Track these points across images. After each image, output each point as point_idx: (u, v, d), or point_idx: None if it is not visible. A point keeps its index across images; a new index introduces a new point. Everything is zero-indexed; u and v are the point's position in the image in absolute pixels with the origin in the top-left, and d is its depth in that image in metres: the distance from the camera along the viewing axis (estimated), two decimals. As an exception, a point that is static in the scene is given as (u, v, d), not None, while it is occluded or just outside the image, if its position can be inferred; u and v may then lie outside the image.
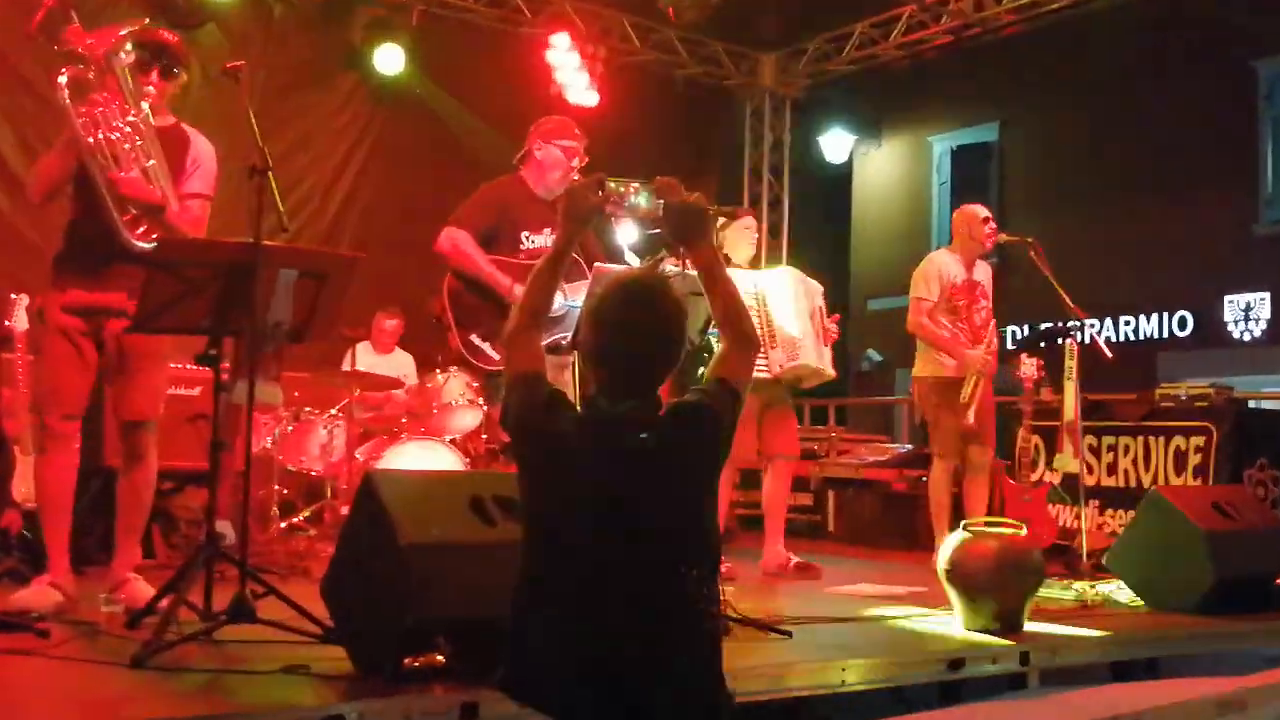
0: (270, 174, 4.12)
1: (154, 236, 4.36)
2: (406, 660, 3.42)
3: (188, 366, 6.20)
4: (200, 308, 4.05)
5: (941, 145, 16.01)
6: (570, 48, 11.14)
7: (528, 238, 5.25)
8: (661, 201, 3.04)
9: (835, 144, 14.84)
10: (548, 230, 5.29)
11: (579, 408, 2.97)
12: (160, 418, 4.68)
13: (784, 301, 6.47)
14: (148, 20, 4.59)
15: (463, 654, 3.44)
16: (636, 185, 3.07)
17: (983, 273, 7.15)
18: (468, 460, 7.60)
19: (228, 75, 4.36)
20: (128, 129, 4.37)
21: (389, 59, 10.44)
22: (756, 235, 6.77)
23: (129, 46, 4.38)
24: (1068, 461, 6.92)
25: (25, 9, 4.58)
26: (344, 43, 10.52)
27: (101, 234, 4.36)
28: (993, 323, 7.05)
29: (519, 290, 5.05)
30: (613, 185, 3.04)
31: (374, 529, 3.56)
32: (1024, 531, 4.99)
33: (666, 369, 2.84)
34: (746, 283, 6.27)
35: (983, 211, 7.16)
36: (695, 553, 2.75)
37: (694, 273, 3.06)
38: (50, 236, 4.78)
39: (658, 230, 3.08)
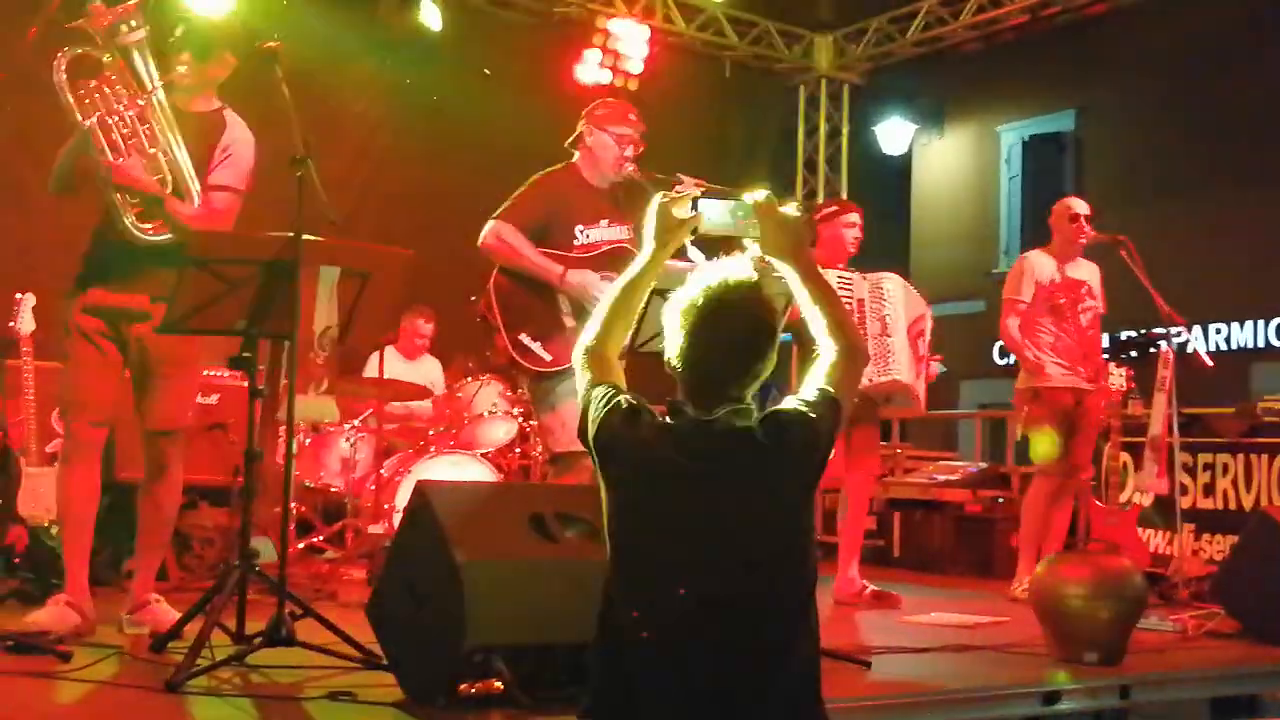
0: (311, 163, 4.18)
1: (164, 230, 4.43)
2: (462, 687, 3.47)
3: (207, 372, 6.25)
4: (236, 308, 4.12)
5: (1011, 135, 15.96)
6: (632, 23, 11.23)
7: (582, 231, 5.29)
8: (756, 220, 3.08)
9: (894, 133, 14.84)
10: (604, 222, 5.33)
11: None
12: (189, 427, 4.75)
13: (885, 310, 6.48)
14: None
15: (523, 680, 3.50)
16: (730, 204, 3.11)
17: (1087, 271, 7.18)
18: (501, 476, 7.68)
19: (262, 56, 4.41)
20: (130, 113, 4.43)
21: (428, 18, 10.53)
22: (859, 235, 6.76)
23: (132, 22, 4.44)
24: (1150, 481, 6.92)
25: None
26: (364, 23, 10.62)
27: (121, 232, 4.44)
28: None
29: (573, 277, 5.15)
30: (705, 204, 3.09)
31: (426, 546, 3.63)
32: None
33: (759, 374, 2.89)
34: (846, 286, 6.33)
35: (1075, 206, 7.17)
36: (793, 571, 2.80)
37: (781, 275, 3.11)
38: (53, 235, 4.84)
39: (752, 246, 3.11)
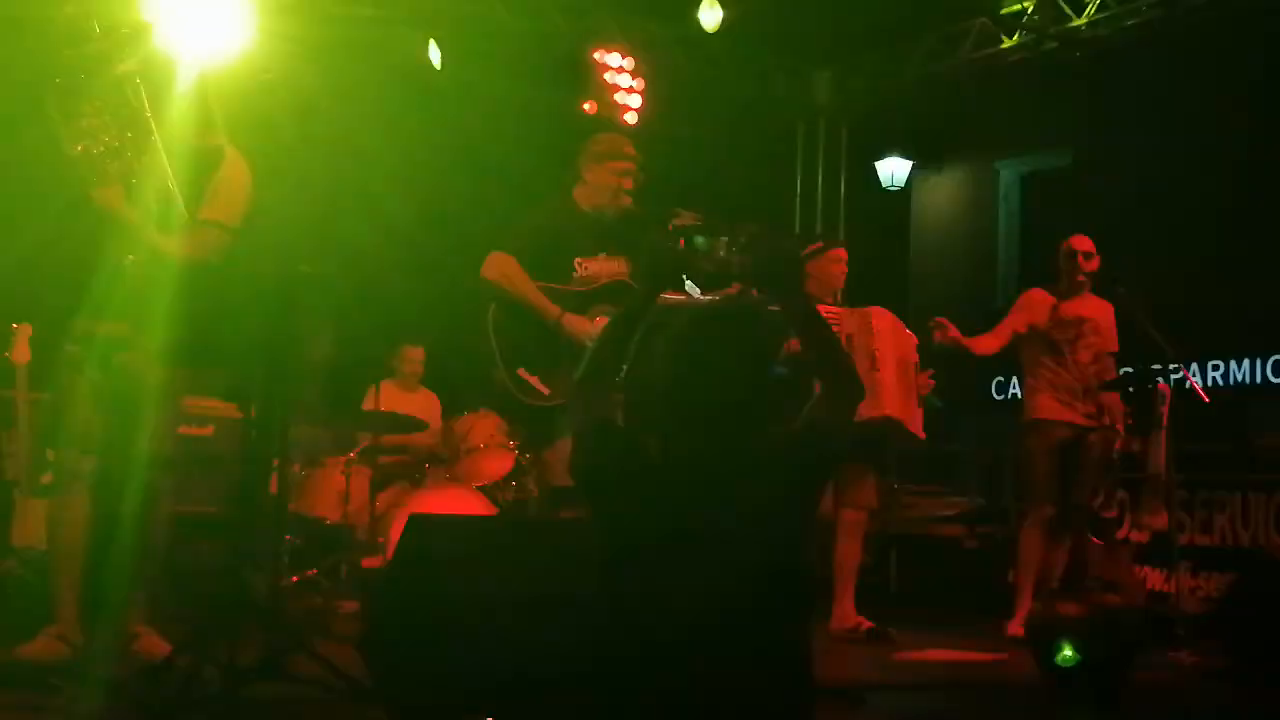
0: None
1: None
2: (455, 724, 3.46)
3: (201, 404, 6.24)
4: (232, 338, 4.11)
5: (1010, 172, 16.00)
6: (611, 62, 11.27)
7: (581, 264, 5.31)
8: (752, 256, 3.08)
9: (892, 169, 14.89)
10: (602, 255, 5.35)
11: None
12: (181, 458, 4.73)
13: (874, 344, 6.48)
14: (150, 23, 4.61)
15: (517, 716, 3.47)
16: (725, 241, 3.11)
17: (1094, 308, 7.19)
18: (497, 509, 7.65)
19: (262, 89, 4.43)
20: (114, 142, 4.43)
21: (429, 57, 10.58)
22: (845, 270, 6.81)
23: (125, 53, 4.44)
24: (1145, 517, 6.90)
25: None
26: (367, 56, 10.64)
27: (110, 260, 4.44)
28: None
29: (569, 323, 5.15)
30: (700, 241, 3.09)
31: (421, 579, 3.61)
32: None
33: (752, 408, 2.88)
34: (833, 321, 6.32)
35: (1074, 244, 7.19)
36: (785, 604, 2.78)
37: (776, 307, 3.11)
38: (51, 266, 4.81)
39: (748, 281, 3.11)
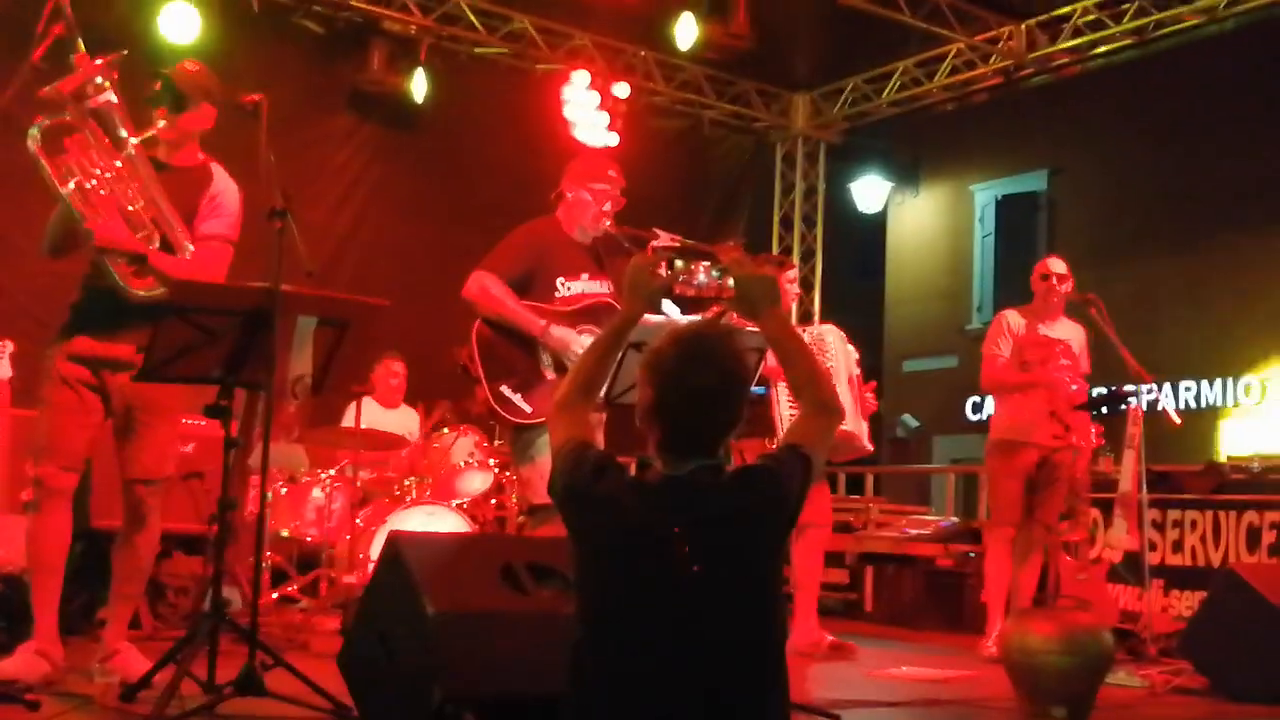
0: (290, 216, 4.20)
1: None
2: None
3: (183, 420, 6.23)
4: (213, 356, 4.13)
5: (985, 194, 16.08)
6: (589, 86, 11.33)
7: (563, 284, 5.33)
8: (730, 278, 3.10)
9: (869, 191, 14.98)
10: (585, 275, 5.37)
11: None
12: (171, 477, 4.74)
13: (829, 362, 6.56)
14: (125, 51, 4.62)
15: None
16: (706, 264, 3.14)
17: (1068, 331, 7.24)
18: (476, 527, 7.66)
19: (244, 109, 4.45)
20: (109, 174, 4.43)
21: (415, 90, 10.60)
22: (798, 291, 6.92)
23: (100, 80, 4.43)
24: (1120, 537, 6.95)
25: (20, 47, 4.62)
26: (343, 78, 10.69)
27: (111, 285, 4.45)
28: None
29: (555, 332, 5.18)
30: (680, 264, 3.12)
31: (398, 596, 3.63)
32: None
33: (729, 428, 2.90)
34: None
35: (1048, 266, 7.24)
36: (762, 628, 2.80)
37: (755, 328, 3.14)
38: (35, 283, 4.83)
39: (725, 304, 3.15)
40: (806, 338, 6.60)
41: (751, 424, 6.64)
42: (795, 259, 12.99)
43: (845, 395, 6.57)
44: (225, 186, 4.71)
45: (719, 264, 3.13)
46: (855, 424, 6.61)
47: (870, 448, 6.86)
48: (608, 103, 11.47)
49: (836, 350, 6.66)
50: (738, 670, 2.75)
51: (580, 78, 11.32)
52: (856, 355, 6.90)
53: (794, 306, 7.03)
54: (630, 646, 2.76)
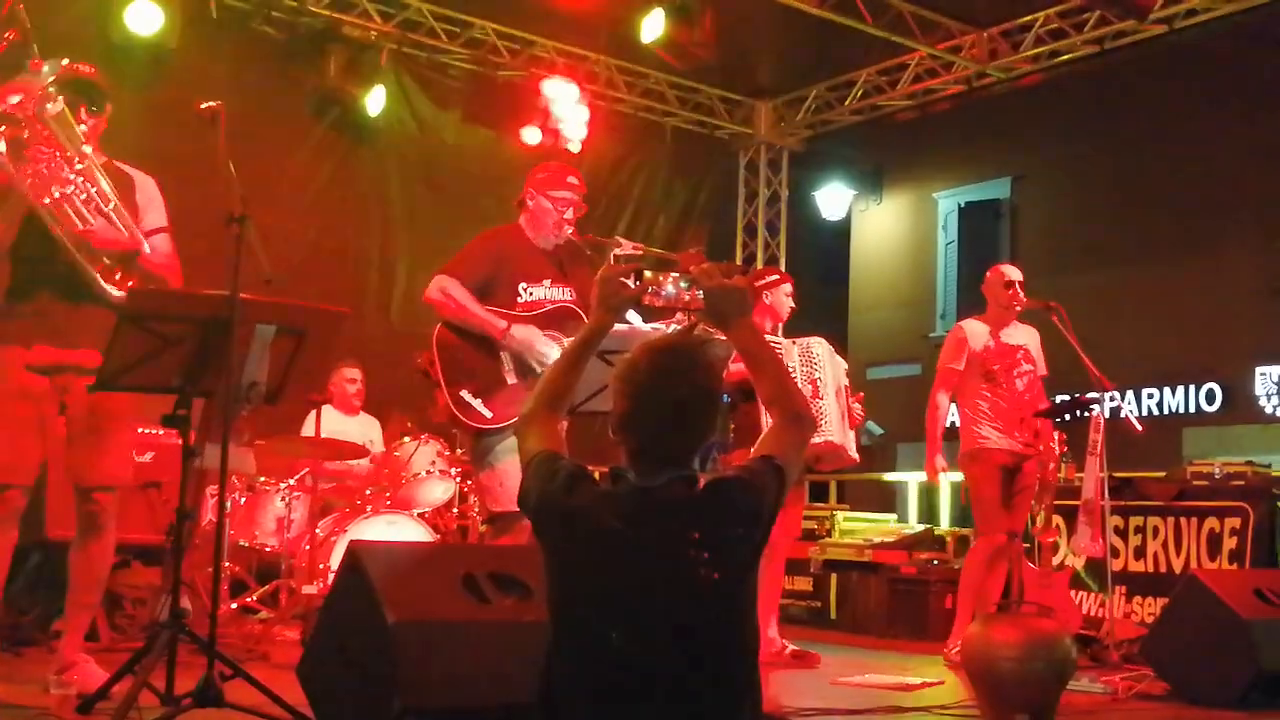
0: (248, 221, 4.17)
1: (129, 284, 4.40)
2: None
3: (141, 430, 6.18)
4: (171, 365, 4.09)
5: (948, 202, 16.16)
6: (565, 85, 11.31)
7: (525, 289, 5.33)
8: (700, 290, 3.08)
9: (832, 199, 15.05)
10: (547, 282, 5.38)
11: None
12: (129, 483, 4.69)
13: (816, 373, 6.58)
14: (65, 60, 4.58)
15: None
16: (675, 275, 3.13)
17: (1024, 335, 7.28)
18: (438, 536, 7.63)
19: (203, 116, 4.41)
20: (78, 179, 4.40)
21: (371, 102, 10.55)
22: (793, 306, 6.98)
23: (52, 89, 4.39)
24: (1082, 544, 6.99)
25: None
26: (307, 85, 10.63)
27: (58, 287, 4.40)
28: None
29: (517, 331, 5.18)
30: (649, 275, 3.10)
31: (358, 606, 3.61)
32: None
33: (703, 439, 2.89)
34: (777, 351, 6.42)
35: (1009, 273, 7.30)
36: (735, 639, 2.81)
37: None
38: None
39: (696, 314, 3.13)
40: (795, 349, 6.64)
41: (740, 434, 6.71)
42: (759, 266, 13.01)
43: (833, 407, 6.62)
44: (143, 178, 4.73)
45: (687, 275, 3.12)
46: (842, 435, 6.64)
47: (857, 458, 6.88)
48: (586, 97, 11.46)
49: (824, 361, 6.71)
50: (711, 680, 2.75)
51: (549, 85, 11.28)
52: (846, 366, 6.93)
53: (785, 319, 7.05)
54: (603, 657, 2.74)
